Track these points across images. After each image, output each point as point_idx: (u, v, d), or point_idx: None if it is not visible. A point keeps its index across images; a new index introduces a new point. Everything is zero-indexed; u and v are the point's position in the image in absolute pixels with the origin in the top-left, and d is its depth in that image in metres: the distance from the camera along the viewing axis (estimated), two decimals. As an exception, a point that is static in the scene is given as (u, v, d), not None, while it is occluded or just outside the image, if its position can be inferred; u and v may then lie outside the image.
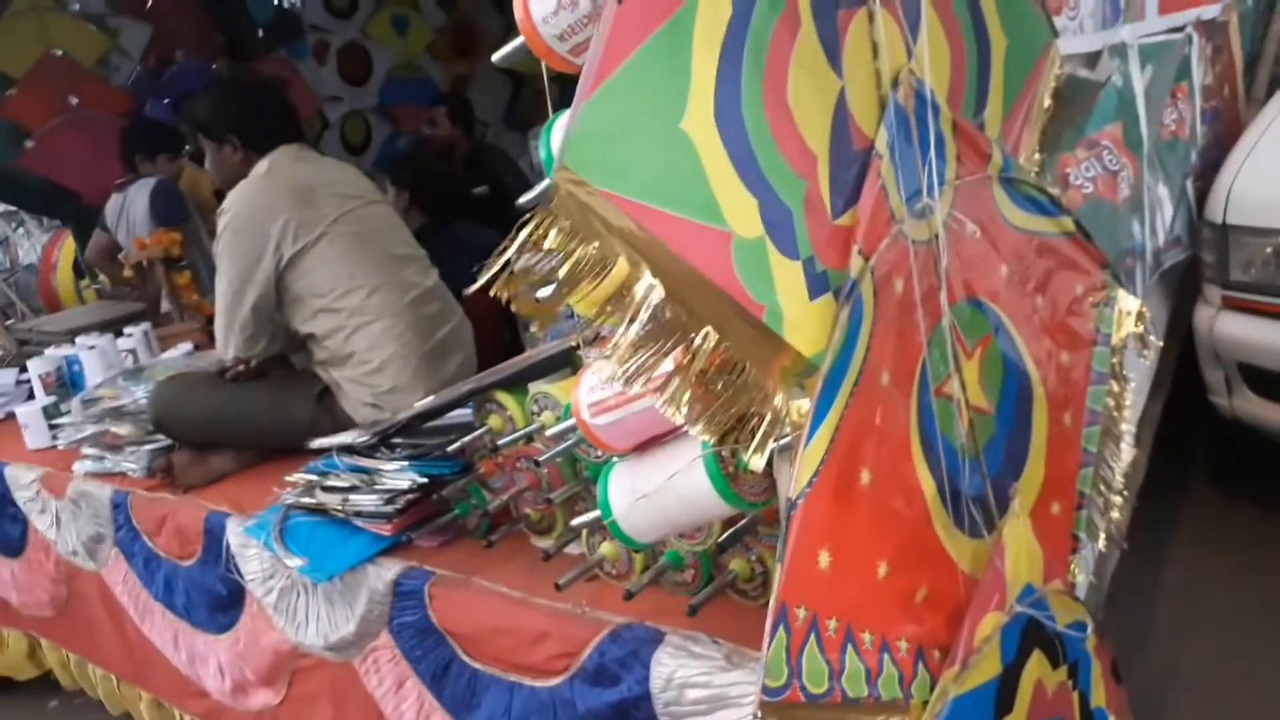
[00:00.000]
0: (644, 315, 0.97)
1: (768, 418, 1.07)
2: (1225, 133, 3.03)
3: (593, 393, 1.29)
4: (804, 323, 1.08)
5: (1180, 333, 2.78)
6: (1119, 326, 1.65)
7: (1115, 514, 1.57)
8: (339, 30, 6.31)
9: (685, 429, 1.17)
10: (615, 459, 1.36)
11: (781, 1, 1.09)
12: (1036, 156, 1.61)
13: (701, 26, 1.02)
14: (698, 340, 0.99)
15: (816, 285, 1.11)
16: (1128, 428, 1.65)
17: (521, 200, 1.48)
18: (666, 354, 0.99)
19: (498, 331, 3.16)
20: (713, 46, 1.02)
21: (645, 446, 1.31)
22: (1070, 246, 1.58)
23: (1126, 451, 1.64)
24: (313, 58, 6.23)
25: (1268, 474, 2.81)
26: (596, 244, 0.97)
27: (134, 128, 4.43)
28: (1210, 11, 2.95)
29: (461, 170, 4.71)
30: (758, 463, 1.05)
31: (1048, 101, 1.64)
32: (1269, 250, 2.52)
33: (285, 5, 6.18)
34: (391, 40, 6.51)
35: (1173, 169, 2.70)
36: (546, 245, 0.97)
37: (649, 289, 0.97)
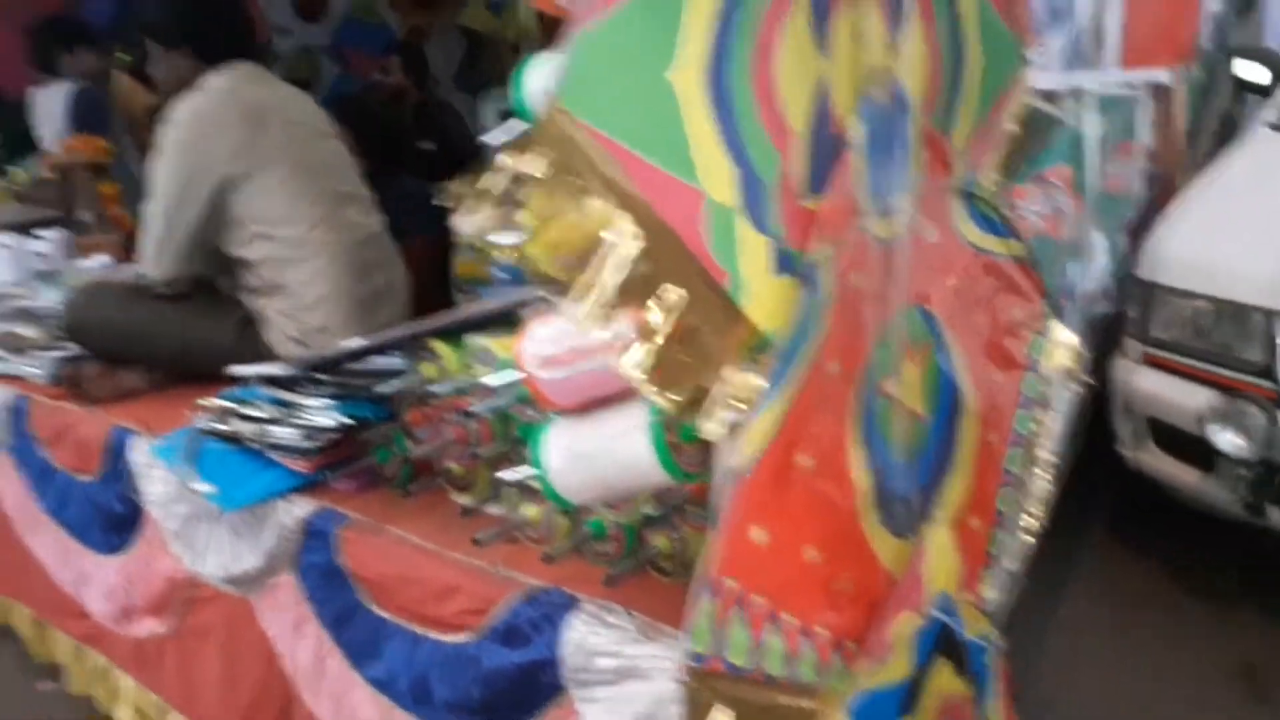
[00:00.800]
0: (617, 265, 0.96)
1: (721, 389, 1.07)
2: (1162, 195, 3.14)
3: (542, 345, 1.28)
4: (764, 298, 1.08)
5: (1098, 380, 2.87)
6: (1051, 357, 1.69)
7: (1029, 537, 1.61)
8: (298, -37, 6.13)
9: (634, 391, 1.17)
10: (554, 415, 1.34)
11: None
12: (995, 178, 1.65)
13: None
14: (665, 298, 0.98)
15: (780, 262, 1.11)
16: (1047, 456, 1.70)
17: (488, 138, 1.45)
18: (633, 308, 0.98)
19: (433, 289, 3.11)
20: (706, 8, 1.02)
21: (587, 406, 1.30)
22: (1016, 271, 1.62)
23: (1043, 479, 1.68)
24: (267, -13, 6.04)
25: (1164, 526, 2.92)
26: (578, 180, 0.95)
27: (47, 22, 4.22)
28: (1162, 77, 3.06)
29: (410, 122, 4.62)
30: (712, 432, 1.05)
31: (1012, 127, 1.68)
32: (1189, 312, 2.62)
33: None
34: (351, -19, 6.36)
35: (1111, 221, 2.79)
36: (531, 171, 0.95)
37: (625, 236, 0.95)
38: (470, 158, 4.84)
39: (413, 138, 4.47)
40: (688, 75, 0.99)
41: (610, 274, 0.96)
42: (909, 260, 1.29)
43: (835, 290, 1.15)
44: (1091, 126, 2.49)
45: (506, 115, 5.28)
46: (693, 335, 1.01)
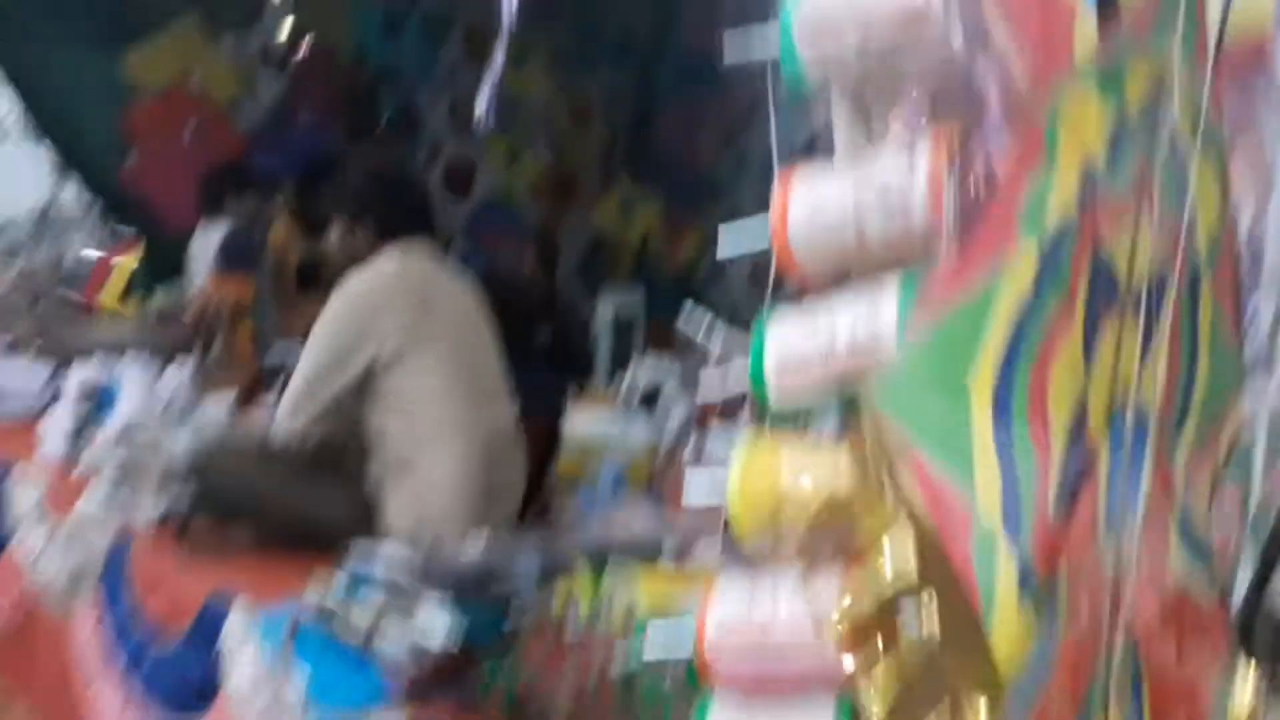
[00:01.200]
0: (888, 570, 0.88)
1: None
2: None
3: (727, 613, 1.17)
4: (1007, 628, 0.98)
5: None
6: (1235, 709, 1.55)
7: None
8: (453, 141, 6.44)
9: (816, 683, 1.07)
10: (713, 691, 1.22)
11: (1068, 288, 1.08)
12: (1205, 505, 1.55)
13: (1006, 294, 1.01)
14: (926, 614, 0.89)
15: (1024, 588, 1.02)
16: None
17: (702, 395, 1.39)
18: (889, 619, 0.89)
19: (531, 481, 3.06)
20: (1008, 315, 1.02)
21: (759, 688, 1.18)
22: (1210, 606, 1.51)
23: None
24: (420, 159, 6.35)
25: None
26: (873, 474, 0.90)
27: (221, 167, 4.47)
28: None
29: (536, 310, 4.70)
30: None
31: (1226, 446, 1.60)
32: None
33: (412, 104, 6.31)
34: (499, 166, 6.64)
35: (1255, 538, 2.63)
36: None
37: (904, 544, 0.88)
38: (582, 352, 4.86)
39: (533, 326, 4.54)
40: (983, 382, 0.97)
41: (879, 578, 0.88)
42: (1134, 594, 1.19)
43: (1068, 626, 1.06)
44: (1260, 445, 2.38)
45: (619, 316, 5.32)
46: (936, 658, 0.91)
